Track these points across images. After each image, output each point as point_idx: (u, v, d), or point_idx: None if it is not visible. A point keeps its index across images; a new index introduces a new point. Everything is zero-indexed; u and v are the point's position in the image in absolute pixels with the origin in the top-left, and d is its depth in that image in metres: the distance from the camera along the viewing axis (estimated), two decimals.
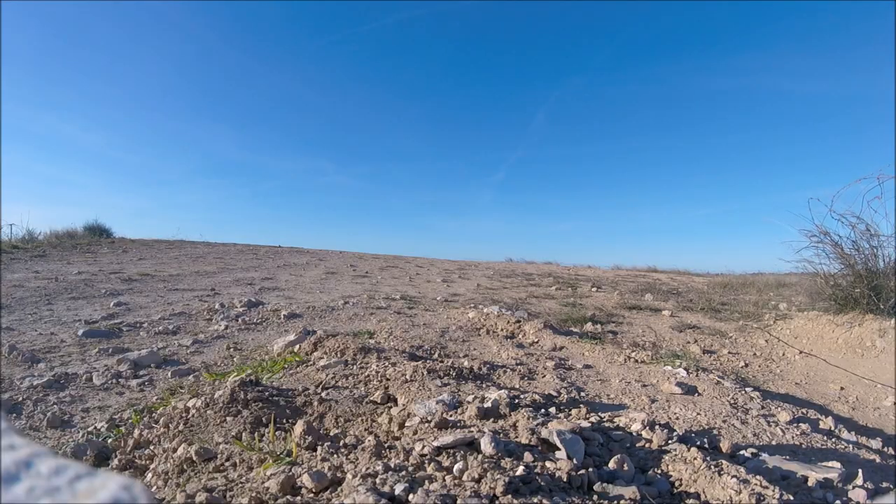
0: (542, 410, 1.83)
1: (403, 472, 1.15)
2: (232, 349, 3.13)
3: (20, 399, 2.18)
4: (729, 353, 3.96)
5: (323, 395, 1.97)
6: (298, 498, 1.10)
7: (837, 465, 1.51)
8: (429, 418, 1.57)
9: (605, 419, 1.80)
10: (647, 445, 1.55)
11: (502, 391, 1.98)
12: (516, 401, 1.82)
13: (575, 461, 1.29)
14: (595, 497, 1.17)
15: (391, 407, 1.86)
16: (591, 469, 1.29)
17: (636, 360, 3.09)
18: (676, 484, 1.32)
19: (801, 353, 4.00)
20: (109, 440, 1.77)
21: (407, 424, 1.58)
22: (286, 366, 2.54)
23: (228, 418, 1.69)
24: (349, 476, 1.14)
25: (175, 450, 1.48)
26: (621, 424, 1.74)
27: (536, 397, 1.97)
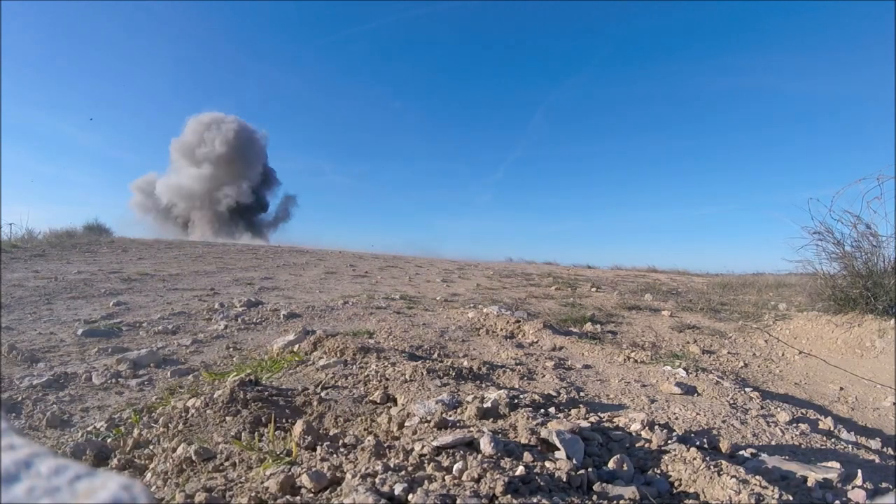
0: (542, 410, 1.83)
1: (403, 472, 1.15)
2: (231, 349, 3.13)
3: (19, 398, 2.18)
4: (728, 353, 3.96)
5: (322, 394, 1.97)
6: (298, 498, 1.10)
7: (837, 465, 1.51)
8: (428, 418, 1.57)
9: (604, 419, 1.80)
10: (646, 445, 1.55)
11: (502, 391, 1.98)
12: (516, 401, 1.82)
13: (574, 461, 1.29)
14: (594, 497, 1.17)
15: (391, 407, 1.86)
16: (590, 469, 1.29)
17: (636, 361, 3.09)
18: (676, 484, 1.32)
19: (800, 353, 4.01)
20: (109, 440, 1.77)
21: (406, 424, 1.58)
22: (286, 366, 2.54)
23: (228, 418, 1.69)
24: (348, 476, 1.14)
25: (174, 449, 1.48)
26: (621, 424, 1.74)
27: (536, 397, 1.97)
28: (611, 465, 1.34)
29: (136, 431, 1.75)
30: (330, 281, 6.92)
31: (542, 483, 1.15)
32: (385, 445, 1.33)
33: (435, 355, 2.94)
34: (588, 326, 4.42)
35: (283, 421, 1.68)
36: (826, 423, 2.26)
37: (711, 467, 1.32)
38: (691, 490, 1.28)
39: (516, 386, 2.35)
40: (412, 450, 1.29)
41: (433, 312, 4.58)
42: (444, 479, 1.13)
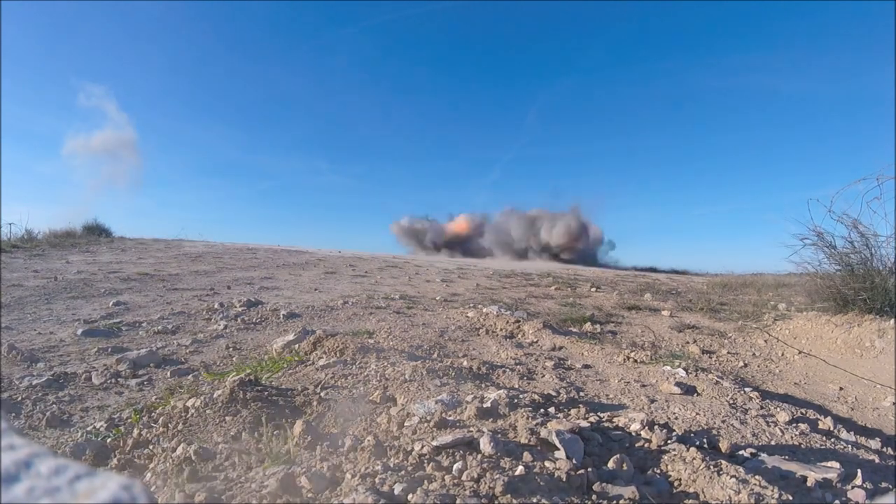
0: (542, 410, 1.83)
1: (402, 472, 1.15)
2: (231, 349, 3.13)
3: (19, 398, 2.18)
4: (728, 353, 3.96)
5: (322, 394, 1.97)
6: (298, 498, 1.10)
7: (836, 465, 1.51)
8: (428, 418, 1.57)
9: (604, 419, 1.80)
10: (646, 445, 1.55)
11: (501, 391, 1.98)
12: (515, 401, 1.82)
13: (574, 461, 1.29)
14: (594, 497, 1.17)
15: (390, 407, 1.85)
16: (590, 469, 1.29)
17: (635, 360, 3.09)
18: (676, 484, 1.32)
19: (800, 353, 4.01)
20: (108, 440, 1.77)
21: (406, 424, 1.58)
22: (285, 365, 2.54)
23: (228, 418, 1.69)
24: (348, 476, 1.14)
25: (174, 449, 1.48)
26: (620, 424, 1.74)
27: (535, 397, 1.97)
28: (610, 464, 1.34)
29: (135, 431, 1.75)
30: (329, 281, 6.92)
31: (541, 483, 1.15)
32: (385, 445, 1.33)
33: (435, 355, 2.94)
34: (588, 326, 4.42)
35: (283, 421, 1.68)
36: (826, 423, 2.26)
37: (711, 467, 1.32)
38: (691, 490, 1.28)
39: (516, 386, 2.35)
40: (412, 450, 1.29)
41: (433, 312, 4.58)
42: (443, 479, 1.13)
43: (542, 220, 26.46)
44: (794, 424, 2.07)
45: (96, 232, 11.43)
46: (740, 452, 1.61)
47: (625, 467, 1.33)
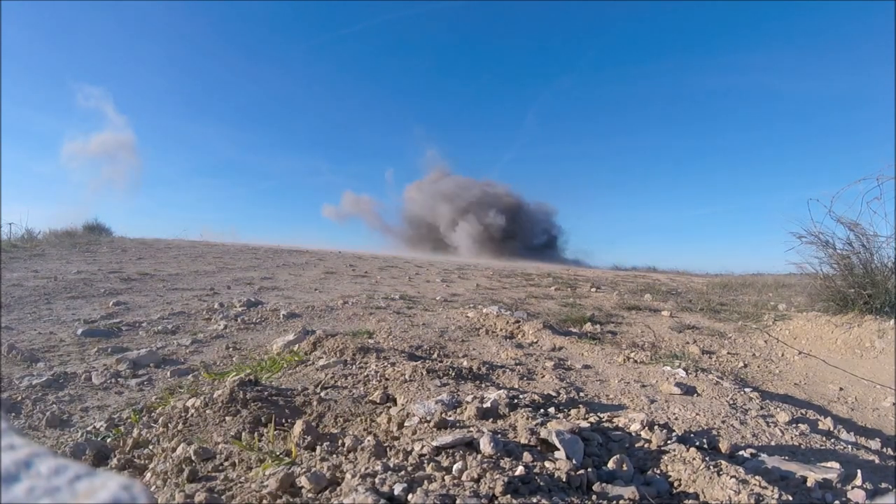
0: (542, 410, 1.83)
1: (402, 472, 1.15)
2: (231, 349, 3.13)
3: (19, 398, 2.18)
4: (728, 353, 3.96)
5: (322, 394, 1.97)
6: (297, 498, 1.10)
7: (836, 465, 1.51)
8: (428, 418, 1.57)
9: (604, 419, 1.80)
10: (646, 446, 1.55)
11: (501, 391, 1.98)
12: (515, 401, 1.82)
13: (574, 461, 1.29)
14: (594, 497, 1.17)
15: (390, 407, 1.85)
16: (590, 469, 1.29)
17: (635, 361, 3.09)
18: (675, 484, 1.32)
19: (800, 353, 4.01)
20: (108, 440, 1.77)
21: (406, 424, 1.58)
22: (285, 366, 2.54)
23: (227, 418, 1.69)
24: (348, 476, 1.14)
25: (174, 449, 1.48)
26: (620, 425, 1.74)
27: (535, 397, 1.97)
28: (610, 465, 1.34)
29: (135, 431, 1.75)
30: (330, 281, 6.92)
31: (541, 483, 1.15)
32: (385, 445, 1.33)
33: (435, 355, 2.94)
34: (588, 326, 4.42)
35: (283, 421, 1.68)
36: (826, 423, 2.26)
37: (711, 467, 1.32)
38: (691, 490, 1.28)
39: (516, 386, 2.35)
40: (412, 450, 1.29)
41: (433, 312, 4.58)
42: (443, 480, 1.13)
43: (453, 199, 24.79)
44: (794, 425, 2.07)
45: (96, 232, 11.45)
46: (740, 453, 1.61)
47: (625, 467, 1.33)
